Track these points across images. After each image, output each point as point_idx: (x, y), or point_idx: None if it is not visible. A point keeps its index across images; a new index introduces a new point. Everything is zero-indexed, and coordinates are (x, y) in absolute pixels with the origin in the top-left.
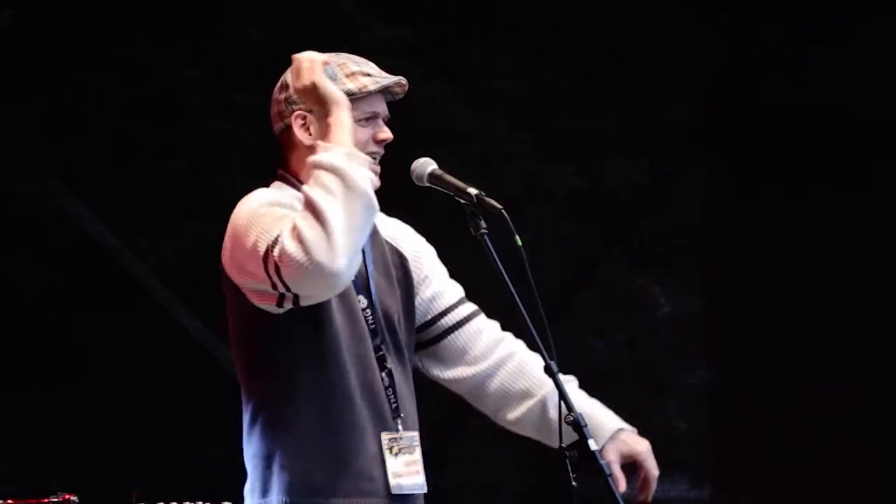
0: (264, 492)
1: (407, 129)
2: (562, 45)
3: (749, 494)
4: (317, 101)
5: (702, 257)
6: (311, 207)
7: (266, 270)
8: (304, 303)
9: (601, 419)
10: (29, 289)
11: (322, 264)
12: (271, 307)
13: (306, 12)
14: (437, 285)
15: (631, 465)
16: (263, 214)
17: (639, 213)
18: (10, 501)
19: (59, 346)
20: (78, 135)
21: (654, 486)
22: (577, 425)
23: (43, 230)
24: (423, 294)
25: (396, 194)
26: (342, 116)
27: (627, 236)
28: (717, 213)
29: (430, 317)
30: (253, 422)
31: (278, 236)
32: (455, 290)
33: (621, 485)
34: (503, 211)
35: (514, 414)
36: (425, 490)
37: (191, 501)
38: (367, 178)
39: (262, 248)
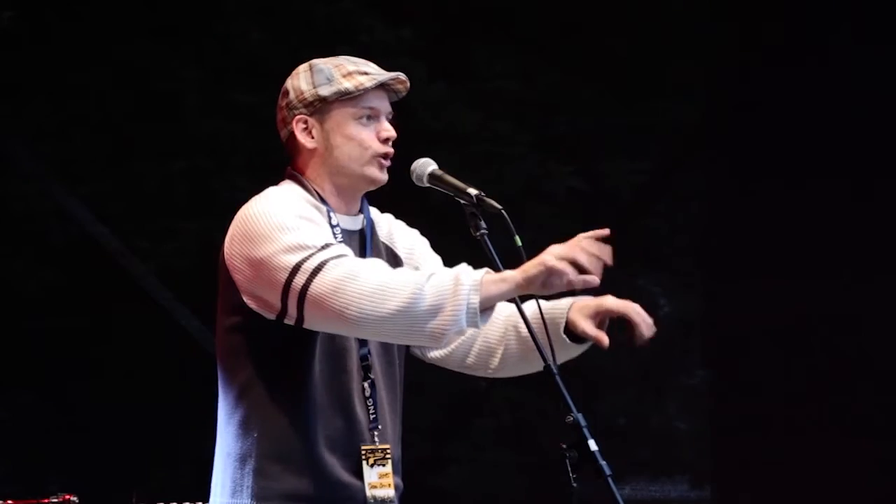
0: (234, 492)
1: (407, 129)
2: (562, 45)
3: (749, 494)
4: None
5: (702, 257)
6: (403, 283)
7: (284, 294)
8: (307, 326)
9: (553, 303)
10: (29, 289)
11: (357, 321)
12: (266, 314)
13: (306, 13)
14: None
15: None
16: (294, 228)
17: (639, 213)
18: (9, 502)
19: (59, 346)
20: (78, 135)
21: (638, 316)
22: (577, 425)
23: (43, 230)
24: None
25: (396, 194)
26: (536, 265)
27: (627, 236)
28: (717, 213)
29: None
30: (229, 418)
31: (320, 267)
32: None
33: (603, 341)
34: (503, 211)
35: (496, 359)
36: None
37: (191, 501)
38: (455, 319)
39: (285, 271)
